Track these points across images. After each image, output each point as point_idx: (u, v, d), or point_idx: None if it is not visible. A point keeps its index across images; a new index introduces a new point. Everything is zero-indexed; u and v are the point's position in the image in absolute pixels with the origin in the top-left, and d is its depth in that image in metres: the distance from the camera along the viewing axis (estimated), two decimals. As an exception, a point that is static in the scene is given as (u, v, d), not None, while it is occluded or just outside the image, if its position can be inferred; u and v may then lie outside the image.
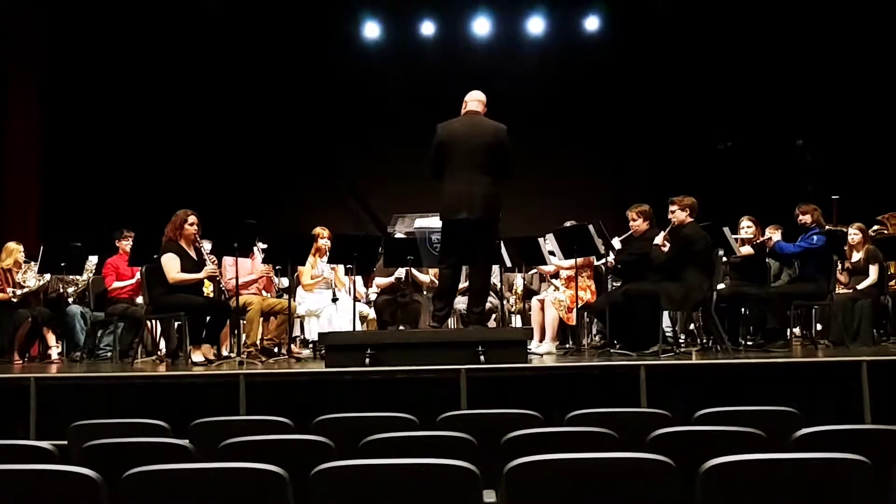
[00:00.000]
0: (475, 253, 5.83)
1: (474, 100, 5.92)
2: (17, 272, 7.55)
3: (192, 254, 6.48)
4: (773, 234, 7.09)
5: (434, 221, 7.71)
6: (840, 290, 7.50)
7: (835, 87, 10.36)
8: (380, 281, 7.88)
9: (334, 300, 7.37)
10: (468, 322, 5.94)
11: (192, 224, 6.46)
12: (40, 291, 7.74)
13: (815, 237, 6.65)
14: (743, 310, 7.16)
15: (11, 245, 7.61)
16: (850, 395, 4.90)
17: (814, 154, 9.89)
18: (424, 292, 7.97)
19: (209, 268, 6.40)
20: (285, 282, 7.61)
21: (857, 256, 7.59)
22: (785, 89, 10.52)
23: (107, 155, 10.53)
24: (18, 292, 7.44)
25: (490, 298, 7.75)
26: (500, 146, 5.70)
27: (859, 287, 7.41)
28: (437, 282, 8.04)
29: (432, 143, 5.80)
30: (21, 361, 7.32)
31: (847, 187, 9.26)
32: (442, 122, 5.84)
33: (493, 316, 7.70)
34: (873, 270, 7.42)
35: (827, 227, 6.96)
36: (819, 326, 7.72)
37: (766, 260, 7.14)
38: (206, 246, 6.70)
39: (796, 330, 7.52)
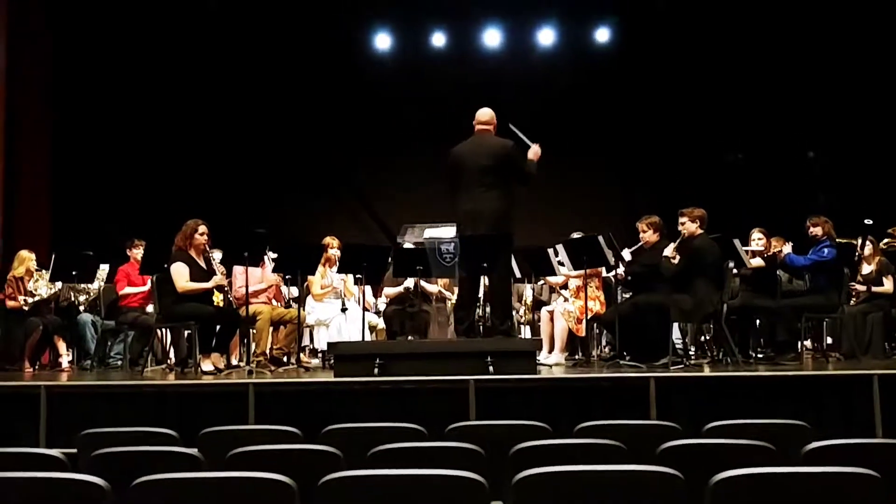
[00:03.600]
0: (488, 266, 5.93)
1: (481, 120, 6.08)
2: (29, 280, 7.59)
3: (202, 263, 6.51)
4: (781, 247, 7.07)
5: (443, 232, 7.74)
6: (854, 299, 7.47)
7: (846, 99, 10.33)
8: (388, 291, 7.89)
9: (343, 310, 7.39)
10: (491, 335, 5.96)
11: (202, 234, 6.49)
12: (52, 300, 7.77)
13: (825, 250, 6.62)
14: (757, 322, 7.14)
15: (24, 253, 7.65)
16: (860, 409, 4.87)
17: (825, 166, 9.86)
18: (433, 302, 7.98)
19: (217, 278, 6.43)
20: (294, 291, 7.62)
21: (868, 268, 7.55)
22: (796, 101, 10.49)
23: (118, 164, 10.58)
24: (30, 300, 7.47)
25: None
26: (505, 162, 5.84)
27: (876, 289, 7.36)
28: (445, 292, 8.09)
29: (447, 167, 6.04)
30: (32, 369, 7.35)
31: (858, 199, 9.23)
32: (454, 147, 6.03)
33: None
34: (888, 282, 7.38)
35: (837, 239, 6.93)
36: (830, 339, 7.68)
37: (777, 272, 7.11)
38: (217, 255, 6.72)
39: (807, 343, 7.48)
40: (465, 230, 5.90)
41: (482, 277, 6.20)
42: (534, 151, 6.00)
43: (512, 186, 5.92)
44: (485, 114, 6.09)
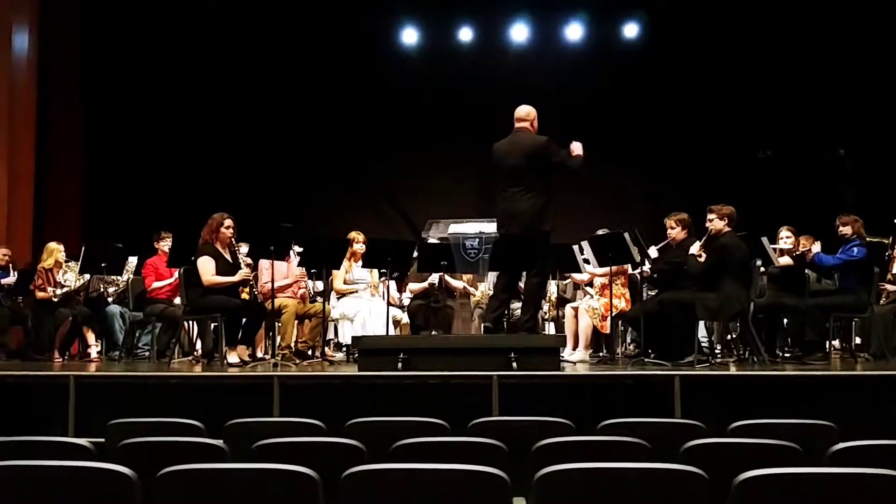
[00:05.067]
0: (521, 265, 5.97)
1: (518, 117, 6.03)
2: (58, 272, 7.69)
3: (228, 257, 6.56)
4: (810, 245, 6.99)
5: (468, 227, 7.72)
6: (884, 298, 7.37)
7: (877, 97, 10.18)
8: (413, 286, 7.88)
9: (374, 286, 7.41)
10: (516, 330, 5.96)
11: (227, 227, 6.54)
12: (81, 291, 7.87)
13: (855, 249, 6.54)
14: (785, 321, 7.07)
15: (52, 245, 7.75)
16: (889, 410, 4.81)
17: (855, 164, 9.72)
18: (457, 298, 7.98)
19: (243, 272, 6.48)
20: (320, 285, 7.66)
21: (899, 268, 7.45)
22: (827, 98, 10.36)
23: (148, 157, 10.70)
24: (59, 292, 7.57)
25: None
26: (540, 160, 5.77)
27: None
28: (469, 288, 8.09)
29: None
30: (61, 359, 7.46)
31: (889, 198, 9.10)
32: (496, 143, 6.01)
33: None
34: (920, 282, 7.29)
35: (867, 238, 6.84)
36: (858, 340, 7.59)
37: (805, 271, 7.03)
38: (244, 249, 6.77)
39: (835, 343, 7.39)
40: (500, 228, 5.95)
41: (519, 275, 6.24)
42: (573, 148, 5.93)
43: (548, 184, 5.85)
44: (521, 110, 6.03)
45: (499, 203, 5.90)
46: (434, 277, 7.66)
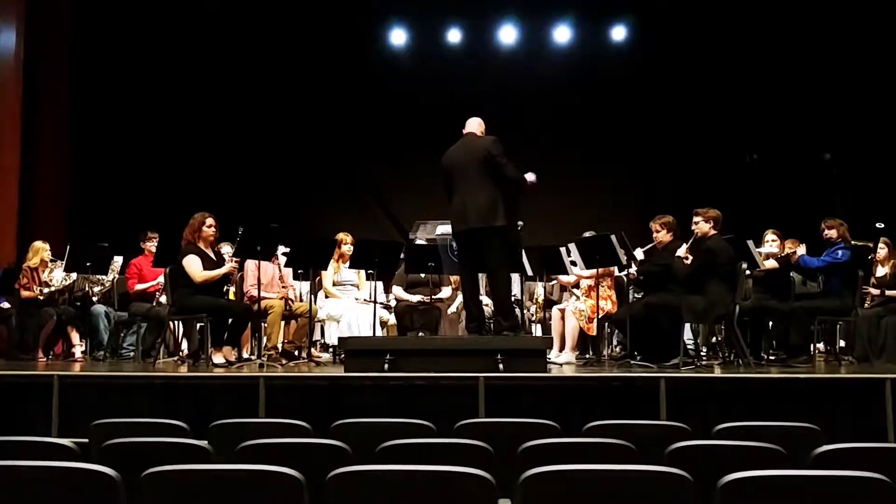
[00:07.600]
0: (484, 261, 5.94)
1: (472, 122, 6.18)
2: (44, 271, 7.64)
3: (212, 255, 6.54)
4: (796, 248, 7.03)
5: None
6: (869, 302, 7.43)
7: (863, 101, 10.26)
8: (400, 294, 7.82)
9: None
10: (498, 333, 5.95)
11: (209, 226, 6.52)
12: (66, 290, 7.83)
13: (839, 252, 6.58)
14: (770, 323, 7.11)
15: (38, 244, 7.71)
16: (872, 413, 4.84)
17: (841, 168, 9.79)
18: (444, 299, 7.97)
19: (230, 264, 6.46)
20: (306, 287, 7.64)
21: (882, 271, 7.50)
22: (813, 103, 10.43)
23: (135, 157, 10.65)
24: (45, 291, 7.53)
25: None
26: (490, 157, 5.83)
27: (890, 293, 7.32)
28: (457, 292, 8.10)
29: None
30: (45, 359, 7.41)
31: (874, 202, 9.17)
32: (444, 153, 6.10)
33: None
34: (902, 286, 7.34)
35: (852, 241, 6.88)
36: (843, 343, 7.64)
37: (791, 274, 7.07)
38: (227, 249, 6.75)
39: (820, 345, 7.44)
40: (459, 225, 5.91)
41: (479, 273, 6.22)
42: (528, 177, 5.99)
43: (498, 182, 5.84)
44: (473, 119, 6.19)
45: (453, 202, 5.93)
46: (415, 299, 7.66)
